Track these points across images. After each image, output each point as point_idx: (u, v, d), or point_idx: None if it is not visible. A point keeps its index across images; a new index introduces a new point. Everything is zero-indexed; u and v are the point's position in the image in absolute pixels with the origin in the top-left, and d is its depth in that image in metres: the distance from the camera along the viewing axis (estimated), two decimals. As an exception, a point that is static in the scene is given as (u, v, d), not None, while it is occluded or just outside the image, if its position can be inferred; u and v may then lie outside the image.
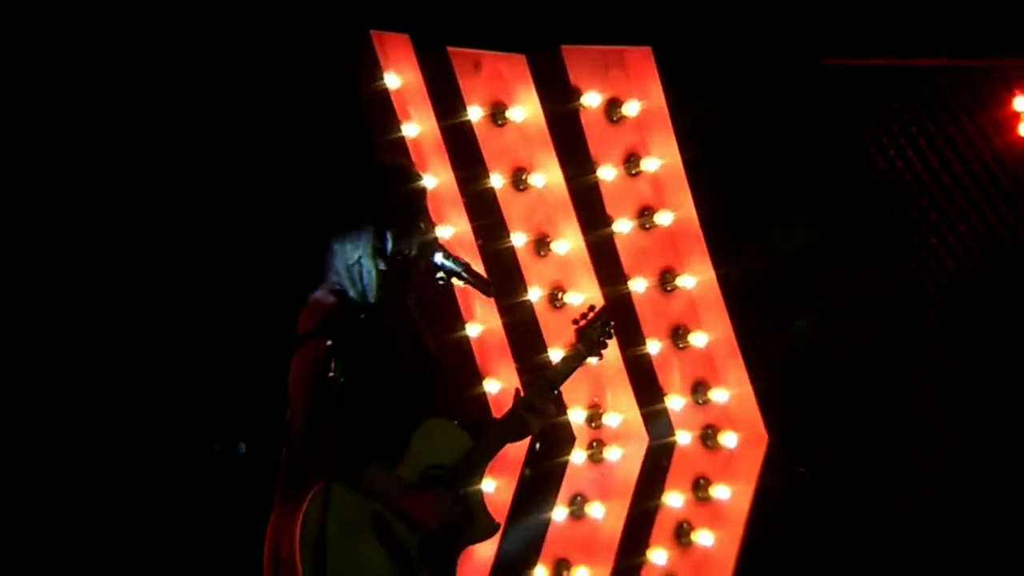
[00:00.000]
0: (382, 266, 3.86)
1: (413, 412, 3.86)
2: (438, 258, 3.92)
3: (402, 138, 5.25)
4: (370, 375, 3.72)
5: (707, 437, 5.64)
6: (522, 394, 3.96)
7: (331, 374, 3.43)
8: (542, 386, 3.99)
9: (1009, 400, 5.61)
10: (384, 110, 5.20)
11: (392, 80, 5.30)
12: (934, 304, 5.70)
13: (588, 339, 4.10)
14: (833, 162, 5.67)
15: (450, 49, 5.34)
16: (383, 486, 3.64)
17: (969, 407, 5.66)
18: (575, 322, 4.11)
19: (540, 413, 3.93)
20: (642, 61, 5.54)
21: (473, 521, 3.87)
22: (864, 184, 5.68)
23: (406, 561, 3.69)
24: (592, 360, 4.10)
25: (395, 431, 3.77)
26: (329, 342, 3.45)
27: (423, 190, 4.00)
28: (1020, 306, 5.65)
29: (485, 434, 3.91)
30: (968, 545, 5.64)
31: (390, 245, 3.85)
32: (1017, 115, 5.58)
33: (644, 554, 5.49)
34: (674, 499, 5.59)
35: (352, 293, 3.85)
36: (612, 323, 4.15)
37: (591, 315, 4.13)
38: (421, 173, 4.10)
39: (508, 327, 5.30)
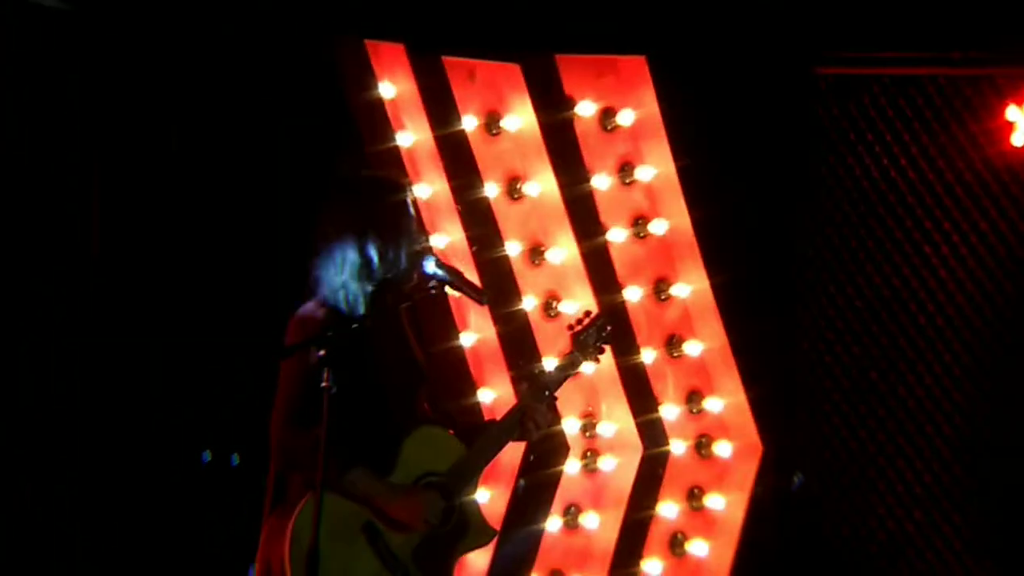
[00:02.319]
0: (368, 286, 3.60)
1: (405, 422, 3.61)
2: (430, 267, 3.64)
3: (396, 147, 4.87)
4: (361, 386, 3.49)
5: (701, 446, 5.21)
6: (521, 398, 3.71)
7: (324, 384, 3.21)
8: (536, 392, 3.69)
9: (1004, 406, 5.19)
10: (378, 119, 4.83)
11: (386, 89, 4.89)
12: (927, 313, 5.28)
13: (583, 344, 3.80)
14: (827, 171, 5.26)
15: (444, 58, 4.95)
16: (369, 488, 3.43)
17: (964, 414, 5.23)
18: (570, 327, 3.82)
19: (534, 419, 3.65)
20: (636, 70, 5.13)
21: (469, 528, 3.60)
22: (858, 193, 5.27)
23: (399, 569, 3.46)
24: (588, 366, 3.80)
25: (387, 441, 3.56)
26: (321, 352, 3.24)
27: (413, 201, 3.72)
28: (1014, 313, 5.20)
29: (479, 440, 3.64)
30: (964, 552, 5.20)
31: (377, 261, 3.59)
32: (1009, 124, 5.17)
33: (638, 564, 5.09)
34: (668, 509, 5.17)
35: (342, 307, 3.60)
36: (609, 328, 3.84)
37: (587, 320, 3.83)
38: (412, 183, 3.89)
39: (502, 336, 4.93)
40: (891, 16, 5.01)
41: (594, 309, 4.74)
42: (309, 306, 3.58)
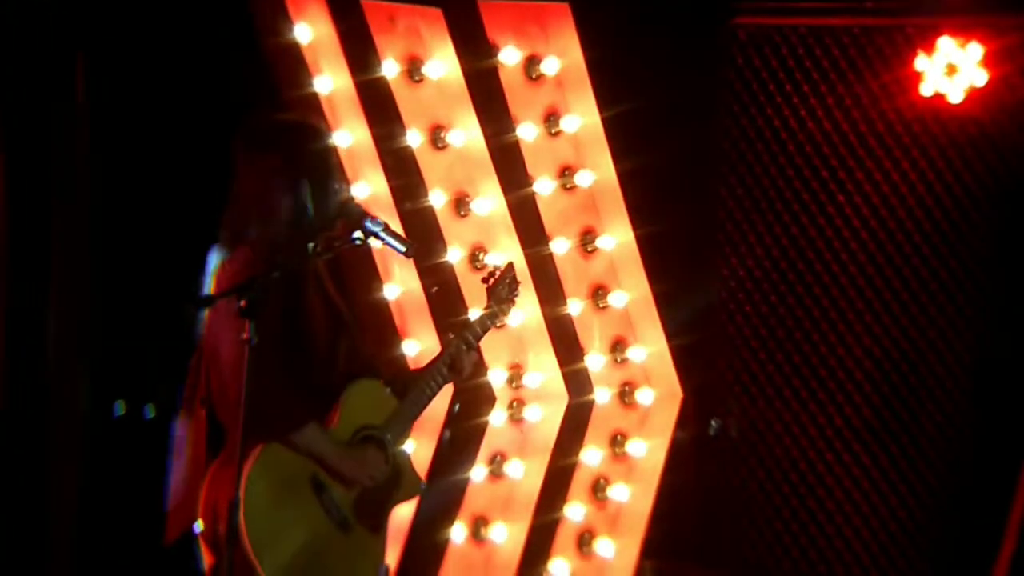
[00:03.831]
0: (296, 235, 3.28)
1: (333, 375, 3.33)
2: (354, 218, 3.31)
3: (314, 94, 4.45)
4: (292, 336, 3.22)
5: (624, 394, 4.92)
6: (447, 344, 3.50)
7: (244, 336, 2.96)
8: (458, 342, 3.49)
9: (912, 349, 5.02)
10: (294, 64, 4.40)
11: (303, 33, 4.43)
12: (840, 262, 5.08)
13: (498, 297, 3.59)
14: (747, 121, 5.01)
15: (364, 2, 4.52)
16: (321, 447, 3.23)
17: (874, 359, 5.04)
18: (484, 281, 3.62)
19: (459, 369, 3.47)
20: (560, 17, 4.76)
21: (401, 480, 3.39)
22: (776, 143, 5.02)
23: (342, 521, 3.26)
24: (503, 318, 3.63)
25: (320, 394, 3.30)
26: (242, 303, 2.97)
27: (334, 148, 3.44)
28: (921, 260, 5.01)
29: (410, 392, 3.41)
30: (872, 491, 5.05)
31: (307, 208, 3.28)
32: (917, 74, 4.93)
33: (561, 510, 4.82)
34: (591, 455, 4.91)
35: (264, 255, 3.25)
36: (520, 281, 3.65)
37: (498, 274, 3.63)
38: (332, 130, 3.63)
39: (428, 288, 4.58)
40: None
41: (521, 261, 4.52)
42: (233, 255, 3.26)
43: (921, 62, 4.93)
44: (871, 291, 5.03)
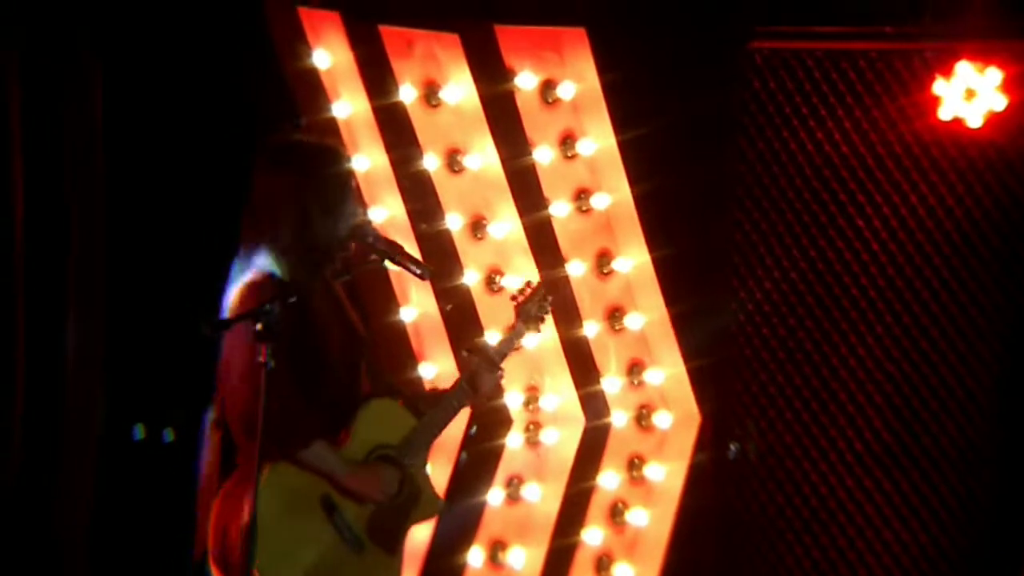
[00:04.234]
0: (307, 258, 3.25)
1: (351, 395, 3.29)
2: (369, 240, 3.28)
3: (332, 118, 4.44)
4: (305, 359, 3.16)
5: (642, 417, 4.84)
6: (467, 366, 3.42)
7: (261, 359, 2.89)
8: (483, 364, 3.40)
9: (932, 375, 4.89)
10: (313, 90, 4.40)
11: (321, 58, 4.43)
12: (859, 285, 4.95)
13: (527, 314, 3.51)
14: (764, 144, 4.90)
15: (381, 27, 4.49)
16: (329, 464, 3.15)
17: (895, 383, 4.91)
18: (513, 298, 3.53)
19: (481, 389, 3.39)
20: (576, 42, 4.69)
21: (420, 499, 3.31)
22: (793, 166, 4.91)
23: (355, 541, 3.18)
24: (530, 337, 3.57)
25: (337, 414, 3.24)
26: (258, 326, 2.90)
27: (351, 171, 3.38)
28: (941, 283, 4.89)
29: (429, 412, 3.35)
30: (894, 518, 4.91)
31: (315, 232, 3.23)
32: (935, 98, 4.82)
33: (579, 534, 4.72)
34: (609, 479, 4.80)
35: (281, 277, 3.22)
36: (550, 297, 3.56)
37: (528, 291, 3.54)
38: (349, 154, 3.56)
39: (445, 310, 4.54)
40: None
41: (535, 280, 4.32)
42: (248, 276, 3.21)
43: (939, 86, 4.84)
44: (890, 315, 4.92)
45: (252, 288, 3.16)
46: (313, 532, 3.13)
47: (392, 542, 3.24)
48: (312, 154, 3.29)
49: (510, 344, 3.44)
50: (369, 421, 3.24)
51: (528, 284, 3.54)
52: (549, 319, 3.56)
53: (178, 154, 4.31)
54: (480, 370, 3.36)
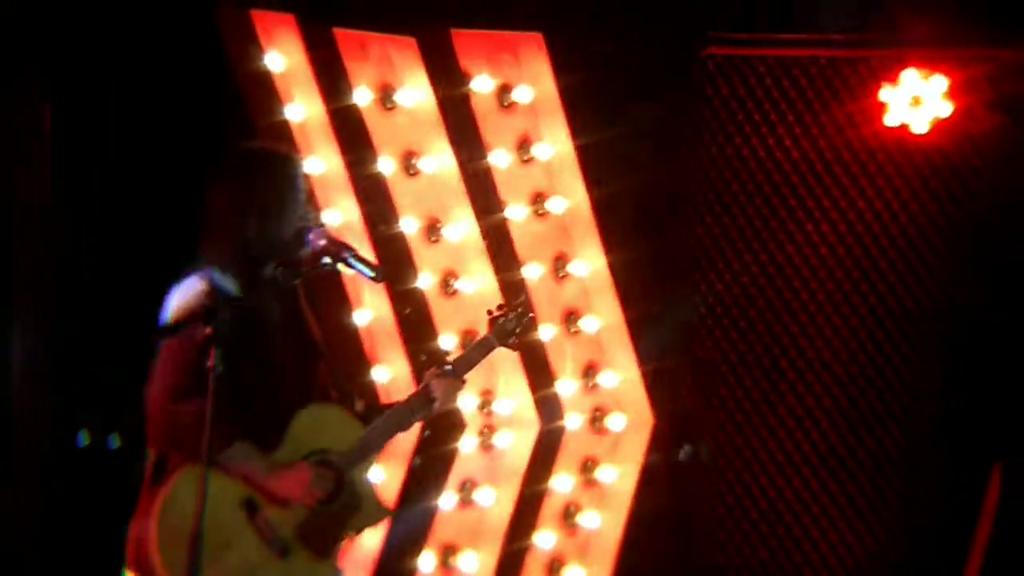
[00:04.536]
0: (255, 263, 3.14)
1: (299, 400, 3.14)
2: (321, 243, 3.14)
3: (286, 122, 4.30)
4: (249, 363, 3.03)
5: (596, 420, 4.79)
6: (429, 378, 3.25)
7: (210, 364, 2.78)
8: (448, 376, 3.26)
9: (880, 376, 4.89)
10: (266, 92, 4.25)
11: (275, 61, 4.31)
12: (809, 289, 4.94)
13: (502, 330, 3.35)
14: (717, 150, 4.88)
15: (336, 30, 4.36)
16: (249, 464, 3.00)
17: (842, 385, 4.90)
18: (490, 312, 3.38)
19: (442, 402, 3.24)
20: (533, 47, 4.62)
21: (361, 506, 3.14)
22: (746, 171, 4.89)
23: (279, 544, 3.02)
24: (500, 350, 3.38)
25: (278, 419, 3.10)
26: (207, 330, 2.80)
27: (299, 175, 3.23)
28: (887, 287, 4.90)
29: (380, 419, 3.19)
30: (840, 518, 4.91)
31: (262, 237, 3.12)
32: (882, 105, 4.84)
33: (531, 537, 4.65)
34: (562, 482, 4.73)
35: (226, 285, 3.11)
36: (531, 315, 3.42)
37: (507, 309, 3.38)
38: (301, 157, 3.37)
39: (399, 314, 4.42)
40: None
41: (493, 287, 4.42)
42: (190, 282, 3.10)
43: (886, 93, 4.85)
44: (839, 318, 4.92)
45: (192, 294, 3.06)
46: (233, 534, 2.98)
47: (324, 548, 3.09)
48: (256, 160, 3.20)
49: (478, 357, 3.31)
50: (306, 426, 3.10)
51: (511, 301, 3.43)
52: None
53: (130, 161, 4.17)
54: (441, 381, 3.24)
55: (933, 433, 4.90)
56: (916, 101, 4.84)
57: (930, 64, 4.82)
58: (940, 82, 4.82)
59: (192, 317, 2.91)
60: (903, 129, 4.86)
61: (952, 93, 4.82)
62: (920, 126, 4.84)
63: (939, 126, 4.83)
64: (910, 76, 4.83)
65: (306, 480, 3.04)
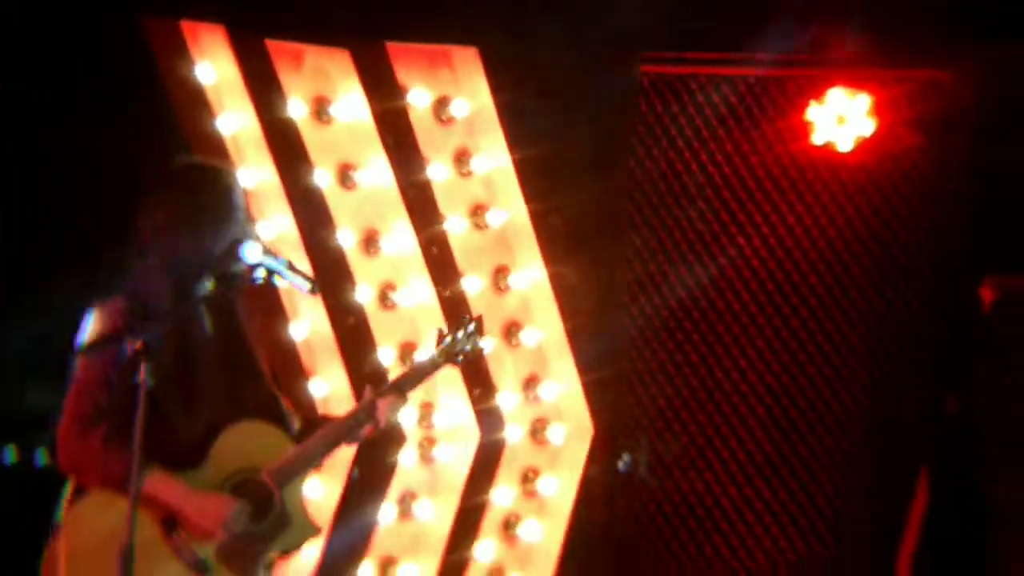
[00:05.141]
0: (183, 278, 2.97)
1: (227, 417, 2.98)
2: (255, 257, 2.96)
3: (217, 133, 4.14)
4: (172, 380, 2.87)
5: (536, 431, 4.66)
6: (371, 395, 3.10)
7: (141, 378, 2.62)
8: (393, 394, 3.12)
9: (812, 390, 4.82)
10: (196, 104, 4.09)
11: (206, 73, 4.14)
12: (741, 301, 4.86)
13: (449, 349, 3.24)
14: (652, 164, 4.79)
15: (268, 41, 4.21)
16: (163, 491, 2.82)
17: (774, 394, 4.82)
18: (439, 331, 3.27)
19: (383, 420, 3.09)
20: (469, 61, 4.50)
21: (290, 525, 2.97)
22: (679, 185, 4.81)
23: (198, 564, 2.85)
24: (447, 369, 3.26)
25: (202, 437, 2.93)
26: (138, 344, 2.64)
27: (232, 188, 3.07)
28: (816, 299, 4.84)
29: (313, 437, 3.03)
30: (774, 524, 4.82)
31: (189, 252, 2.96)
32: (809, 123, 4.81)
33: (471, 548, 4.50)
34: (502, 493, 4.59)
35: (149, 301, 2.95)
36: (483, 335, 3.30)
37: (456, 329, 3.27)
38: (233, 170, 3.20)
39: (337, 327, 4.25)
40: (709, 19, 4.59)
41: (432, 300, 4.29)
42: (111, 300, 2.95)
43: (813, 111, 4.83)
44: (769, 329, 4.88)
45: (110, 313, 2.90)
46: (146, 552, 2.77)
47: (247, 568, 2.91)
48: (190, 174, 3.05)
49: (423, 376, 3.18)
50: (230, 445, 2.93)
51: (462, 317, 3.29)
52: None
53: (59, 172, 3.95)
54: (382, 399, 3.09)
55: (862, 440, 4.85)
56: (841, 120, 4.81)
57: (855, 83, 4.80)
58: (864, 100, 4.80)
59: (110, 336, 2.78)
60: (828, 147, 4.83)
61: (876, 110, 4.80)
62: (845, 144, 4.81)
63: (863, 145, 4.81)
64: (836, 95, 4.81)
65: (224, 514, 2.87)
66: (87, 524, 2.76)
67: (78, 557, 2.73)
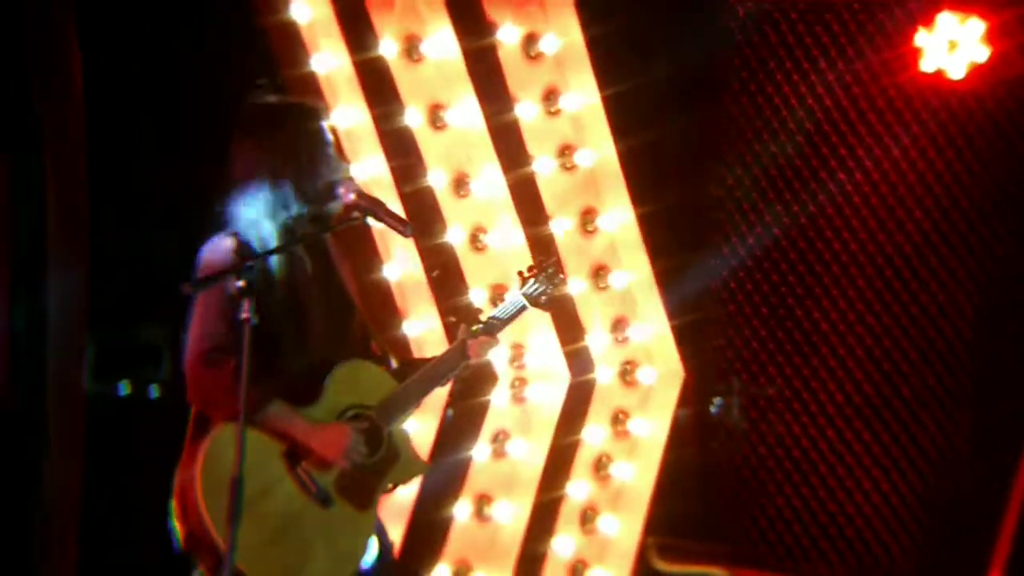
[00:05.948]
0: (282, 219, 3.03)
1: (333, 355, 3.04)
2: (351, 197, 3.02)
3: (312, 73, 4.15)
4: (281, 318, 2.95)
5: (626, 373, 4.63)
6: (464, 335, 3.16)
7: (244, 316, 2.70)
8: (484, 334, 3.18)
9: (912, 327, 4.68)
10: (292, 44, 4.12)
11: (301, 12, 4.14)
12: (841, 239, 4.74)
13: (533, 290, 3.25)
14: (748, 99, 4.68)
15: None
16: (287, 423, 2.93)
17: (875, 336, 4.71)
18: (520, 273, 3.27)
19: (475, 359, 3.15)
20: None
21: (399, 460, 3.06)
22: (777, 120, 4.68)
23: (321, 495, 2.95)
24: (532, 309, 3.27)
25: (313, 374, 3.01)
26: (241, 283, 2.72)
27: (326, 129, 3.11)
28: (923, 237, 4.69)
29: (415, 376, 3.10)
30: (873, 467, 4.72)
31: (290, 193, 3.02)
32: (917, 50, 4.60)
33: (563, 488, 4.54)
34: (593, 433, 4.60)
35: (253, 242, 3.01)
36: (562, 276, 3.30)
37: (537, 271, 3.27)
38: (328, 110, 3.40)
39: (429, 268, 4.29)
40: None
41: (520, 241, 4.25)
42: (219, 239, 3.01)
43: (921, 38, 4.61)
44: (872, 268, 4.74)
45: (221, 250, 2.97)
46: (270, 487, 2.90)
47: (364, 499, 3.00)
48: (281, 114, 3.07)
49: (510, 317, 3.20)
50: (342, 383, 3.00)
51: (543, 259, 3.29)
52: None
53: (156, 118, 4.04)
54: (475, 340, 3.14)
55: (966, 381, 4.71)
56: (952, 46, 4.59)
57: (966, 7, 4.57)
58: (976, 26, 4.57)
59: (222, 272, 2.82)
60: (939, 75, 4.62)
61: (989, 37, 4.57)
62: (956, 71, 4.60)
63: (975, 71, 4.59)
64: (946, 20, 4.58)
65: (346, 443, 2.96)
66: (223, 455, 2.82)
67: (214, 488, 2.81)
